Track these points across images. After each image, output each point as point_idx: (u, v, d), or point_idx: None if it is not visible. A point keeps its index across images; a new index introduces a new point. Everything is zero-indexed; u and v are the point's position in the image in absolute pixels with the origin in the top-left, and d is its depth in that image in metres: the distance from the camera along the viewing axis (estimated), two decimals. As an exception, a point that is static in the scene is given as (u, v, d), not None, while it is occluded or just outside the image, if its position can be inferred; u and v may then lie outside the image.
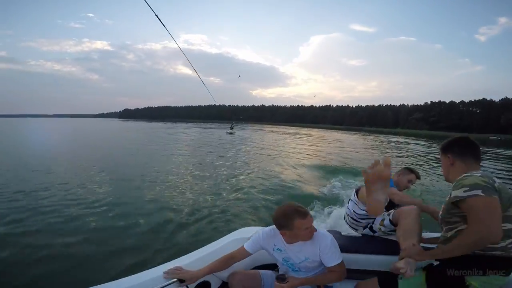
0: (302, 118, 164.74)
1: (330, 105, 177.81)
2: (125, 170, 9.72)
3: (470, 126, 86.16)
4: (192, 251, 1.93)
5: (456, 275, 1.24)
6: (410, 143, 29.30)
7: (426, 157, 16.99)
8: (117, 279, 1.51)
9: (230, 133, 34.37)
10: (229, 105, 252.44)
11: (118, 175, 8.73)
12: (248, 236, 2.03)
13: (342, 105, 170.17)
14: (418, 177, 2.51)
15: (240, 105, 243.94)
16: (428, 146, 25.60)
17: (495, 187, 1.18)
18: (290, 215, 1.57)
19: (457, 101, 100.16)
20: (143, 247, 3.91)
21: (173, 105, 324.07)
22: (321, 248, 1.69)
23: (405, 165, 6.15)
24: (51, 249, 3.78)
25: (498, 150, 24.98)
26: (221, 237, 2.18)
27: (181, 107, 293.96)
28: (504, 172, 11.86)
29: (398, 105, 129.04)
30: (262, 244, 1.75)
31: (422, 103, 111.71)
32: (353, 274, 1.95)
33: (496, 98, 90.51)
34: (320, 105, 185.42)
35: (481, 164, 1.43)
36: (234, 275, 1.70)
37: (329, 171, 10.11)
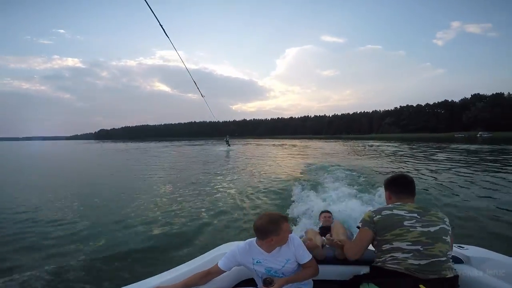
0: (283, 130, 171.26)
1: (308, 115, 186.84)
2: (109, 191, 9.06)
3: (437, 126, 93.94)
4: (174, 267, 1.91)
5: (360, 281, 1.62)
6: (383, 146, 33.45)
7: (397, 155, 20.96)
8: None
9: (228, 148, 33.25)
10: (210, 122, 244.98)
11: (106, 196, 8.21)
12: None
13: (319, 115, 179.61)
14: (327, 212, 3.58)
15: (221, 120, 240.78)
16: (399, 147, 29.68)
17: (373, 220, 1.63)
18: (277, 220, 1.66)
19: (423, 103, 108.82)
20: (122, 264, 3.81)
21: (151, 124, 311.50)
22: (295, 247, 1.79)
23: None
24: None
25: (464, 146, 29.32)
26: (205, 252, 2.17)
27: (160, 126, 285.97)
28: (463, 162, 15.16)
29: (371, 111, 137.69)
30: (239, 260, 1.73)
31: (393, 108, 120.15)
32: (319, 285, 2.01)
33: (457, 99, 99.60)
34: (299, 116, 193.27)
35: (413, 195, 1.75)
36: None
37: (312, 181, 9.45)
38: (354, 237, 1.94)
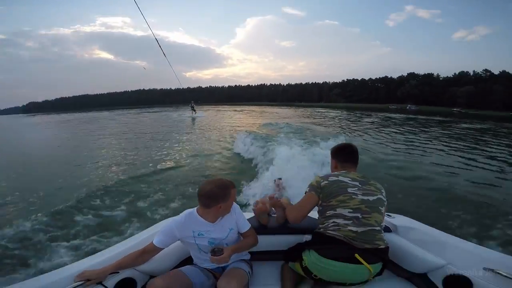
0: (240, 97, 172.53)
1: (264, 83, 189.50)
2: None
3: (376, 98, 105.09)
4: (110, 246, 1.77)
5: (302, 248, 1.66)
6: (330, 112, 39.74)
7: (336, 119, 26.43)
8: (18, 282, 1.37)
9: (193, 113, 32.52)
10: (161, 89, 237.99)
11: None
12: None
13: (275, 84, 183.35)
14: (280, 179, 3.64)
15: (173, 88, 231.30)
16: (340, 114, 35.95)
17: (320, 185, 1.66)
18: (227, 185, 1.59)
19: (367, 78, 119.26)
20: (53, 245, 3.63)
21: (93, 93, 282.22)
22: (236, 215, 1.78)
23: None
24: None
25: (395, 115, 36.95)
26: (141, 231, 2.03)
27: (103, 95, 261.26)
28: (385, 126, 20.04)
29: (321, 82, 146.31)
30: (177, 235, 1.63)
31: (340, 81, 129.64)
32: (263, 255, 2.04)
33: (396, 75, 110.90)
34: (256, 84, 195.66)
35: (355, 163, 1.83)
36: (152, 285, 1.44)
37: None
38: None
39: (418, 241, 1.78)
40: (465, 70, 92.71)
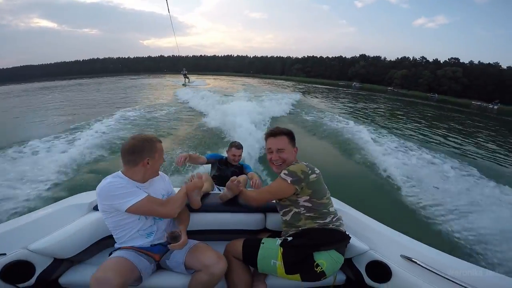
0: (205, 67, 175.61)
1: (231, 55, 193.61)
2: None
3: (330, 75, 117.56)
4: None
5: (305, 244, 1.47)
6: (285, 83, 49.50)
7: (291, 88, 34.47)
8: None
9: (186, 81, 30.80)
10: (118, 58, 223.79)
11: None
12: (89, 202, 1.78)
13: (241, 55, 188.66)
14: (237, 147, 3.00)
15: (132, 56, 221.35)
16: (294, 86, 44.16)
17: (309, 178, 1.53)
18: (150, 139, 1.49)
19: (329, 56, 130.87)
20: None
21: (36, 63, 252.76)
22: (166, 182, 1.73)
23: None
24: None
25: (342, 90, 47.11)
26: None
27: (50, 64, 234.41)
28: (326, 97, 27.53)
29: (285, 56, 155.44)
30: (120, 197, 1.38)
31: (302, 56, 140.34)
32: (224, 235, 1.92)
33: (357, 54, 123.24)
34: (222, 55, 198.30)
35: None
36: (102, 281, 1.17)
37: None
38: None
39: (346, 226, 1.70)
40: (406, 56, 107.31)
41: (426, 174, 5.65)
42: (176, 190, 1.74)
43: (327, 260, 1.45)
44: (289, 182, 1.53)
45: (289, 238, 1.56)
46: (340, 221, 1.62)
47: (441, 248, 1.60)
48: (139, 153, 1.45)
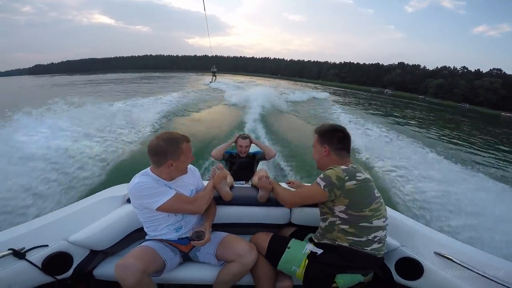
0: (244, 68, 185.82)
1: (268, 57, 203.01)
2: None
3: (365, 82, 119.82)
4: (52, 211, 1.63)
5: (333, 264, 1.38)
6: (318, 87, 53.30)
7: (317, 89, 39.30)
8: None
9: (213, 79, 29.93)
10: (168, 55, 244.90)
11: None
12: (123, 194, 1.84)
13: (278, 58, 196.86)
14: (242, 138, 3.12)
15: (180, 54, 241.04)
16: (334, 91, 46.28)
17: (344, 186, 1.35)
18: (177, 140, 1.45)
19: (364, 62, 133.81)
20: None
21: (100, 57, 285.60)
22: (197, 177, 1.74)
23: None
24: None
25: (381, 96, 50.88)
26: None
27: (110, 59, 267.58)
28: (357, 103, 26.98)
29: (323, 61, 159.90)
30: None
31: (342, 61, 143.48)
32: (248, 229, 1.93)
33: (406, 61, 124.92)
34: (260, 57, 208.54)
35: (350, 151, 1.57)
36: (125, 268, 1.25)
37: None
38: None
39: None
40: (447, 65, 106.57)
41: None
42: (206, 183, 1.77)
43: (346, 280, 1.38)
44: (321, 187, 1.39)
45: (319, 252, 1.45)
46: (383, 242, 1.43)
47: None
48: (162, 155, 1.43)
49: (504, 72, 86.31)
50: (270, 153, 3.14)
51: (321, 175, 1.45)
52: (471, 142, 13.01)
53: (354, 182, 1.36)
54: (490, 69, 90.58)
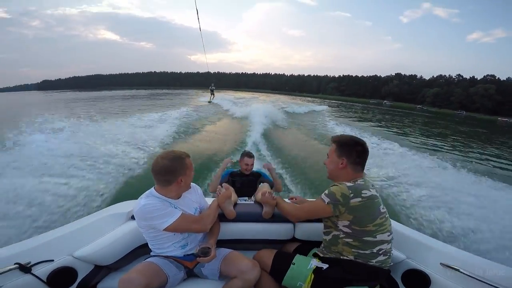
0: (246, 84, 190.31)
1: (269, 73, 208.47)
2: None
3: (364, 94, 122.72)
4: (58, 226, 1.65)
5: (339, 278, 1.38)
6: (316, 101, 53.64)
7: (315, 103, 39.86)
8: None
9: (211, 97, 26.28)
10: (172, 72, 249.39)
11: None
12: (127, 211, 1.86)
13: (279, 73, 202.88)
14: (248, 156, 3.05)
15: (183, 71, 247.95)
16: (322, 102, 46.64)
17: (349, 203, 1.36)
18: (180, 156, 1.52)
19: (362, 74, 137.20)
20: None
21: (104, 73, 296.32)
22: (199, 194, 1.77)
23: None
24: None
25: (380, 107, 51.58)
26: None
27: (116, 75, 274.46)
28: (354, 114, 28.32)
29: (322, 75, 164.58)
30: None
31: (341, 75, 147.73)
32: (252, 245, 1.94)
33: (403, 72, 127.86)
34: (261, 73, 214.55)
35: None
36: (128, 282, 1.29)
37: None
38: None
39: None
40: (443, 74, 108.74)
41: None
42: (208, 200, 1.87)
43: None
44: (326, 203, 1.42)
45: (324, 267, 1.46)
46: (389, 254, 1.44)
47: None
48: (172, 174, 1.48)
49: (498, 78, 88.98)
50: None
51: (326, 191, 1.46)
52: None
53: (359, 199, 1.37)
54: (484, 76, 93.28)
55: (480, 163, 9.27)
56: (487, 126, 34.73)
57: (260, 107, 16.60)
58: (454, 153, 10.86)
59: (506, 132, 28.94)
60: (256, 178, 3.10)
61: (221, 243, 1.84)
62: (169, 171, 1.47)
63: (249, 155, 3.10)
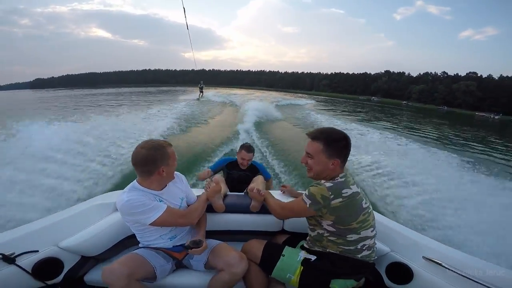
0: (240, 81, 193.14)
1: (263, 70, 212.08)
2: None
3: (355, 91, 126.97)
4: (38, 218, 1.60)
5: (327, 270, 1.40)
6: (308, 97, 56.30)
7: (305, 98, 42.65)
8: None
9: (200, 95, 25.94)
10: (166, 69, 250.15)
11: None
12: (114, 201, 1.76)
13: (273, 71, 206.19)
14: (247, 150, 2.81)
15: (178, 69, 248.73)
16: (312, 97, 50.58)
17: (330, 204, 1.34)
18: (161, 145, 1.46)
19: (354, 72, 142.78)
20: None
21: (98, 71, 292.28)
22: (184, 184, 1.71)
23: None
24: None
25: (367, 102, 55.37)
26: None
27: (110, 73, 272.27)
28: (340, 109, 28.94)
29: (316, 72, 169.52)
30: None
31: (334, 72, 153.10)
32: (241, 236, 1.92)
33: (396, 69, 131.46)
34: (256, 70, 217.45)
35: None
36: (111, 272, 1.29)
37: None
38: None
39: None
40: (429, 71, 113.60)
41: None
42: (194, 190, 1.83)
43: (340, 285, 1.41)
44: (307, 205, 1.39)
45: (313, 258, 1.48)
46: (373, 248, 1.47)
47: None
48: (153, 163, 1.42)
49: (481, 75, 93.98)
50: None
51: (306, 192, 1.42)
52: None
53: (340, 199, 1.34)
54: (466, 73, 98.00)
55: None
56: (456, 119, 38.20)
57: (254, 103, 17.42)
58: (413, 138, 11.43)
59: (480, 126, 31.00)
60: (254, 173, 2.82)
61: (210, 234, 1.84)
62: (149, 160, 1.41)
63: (248, 149, 2.83)
